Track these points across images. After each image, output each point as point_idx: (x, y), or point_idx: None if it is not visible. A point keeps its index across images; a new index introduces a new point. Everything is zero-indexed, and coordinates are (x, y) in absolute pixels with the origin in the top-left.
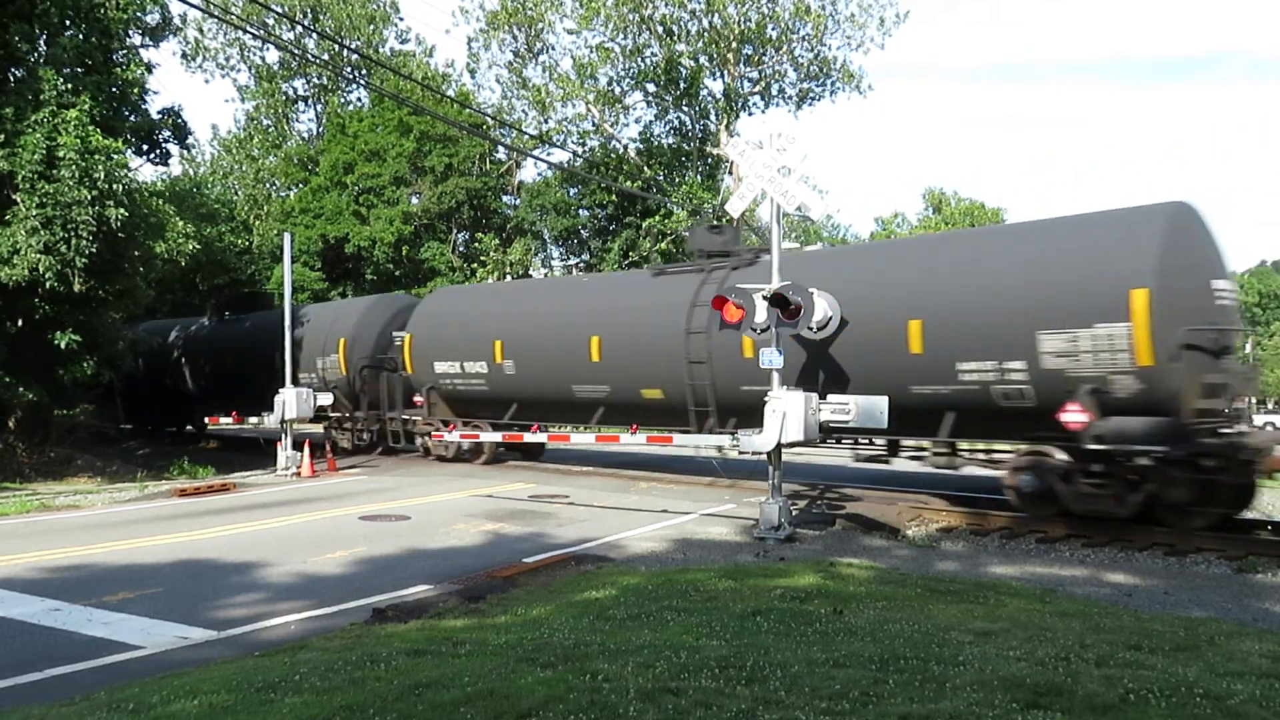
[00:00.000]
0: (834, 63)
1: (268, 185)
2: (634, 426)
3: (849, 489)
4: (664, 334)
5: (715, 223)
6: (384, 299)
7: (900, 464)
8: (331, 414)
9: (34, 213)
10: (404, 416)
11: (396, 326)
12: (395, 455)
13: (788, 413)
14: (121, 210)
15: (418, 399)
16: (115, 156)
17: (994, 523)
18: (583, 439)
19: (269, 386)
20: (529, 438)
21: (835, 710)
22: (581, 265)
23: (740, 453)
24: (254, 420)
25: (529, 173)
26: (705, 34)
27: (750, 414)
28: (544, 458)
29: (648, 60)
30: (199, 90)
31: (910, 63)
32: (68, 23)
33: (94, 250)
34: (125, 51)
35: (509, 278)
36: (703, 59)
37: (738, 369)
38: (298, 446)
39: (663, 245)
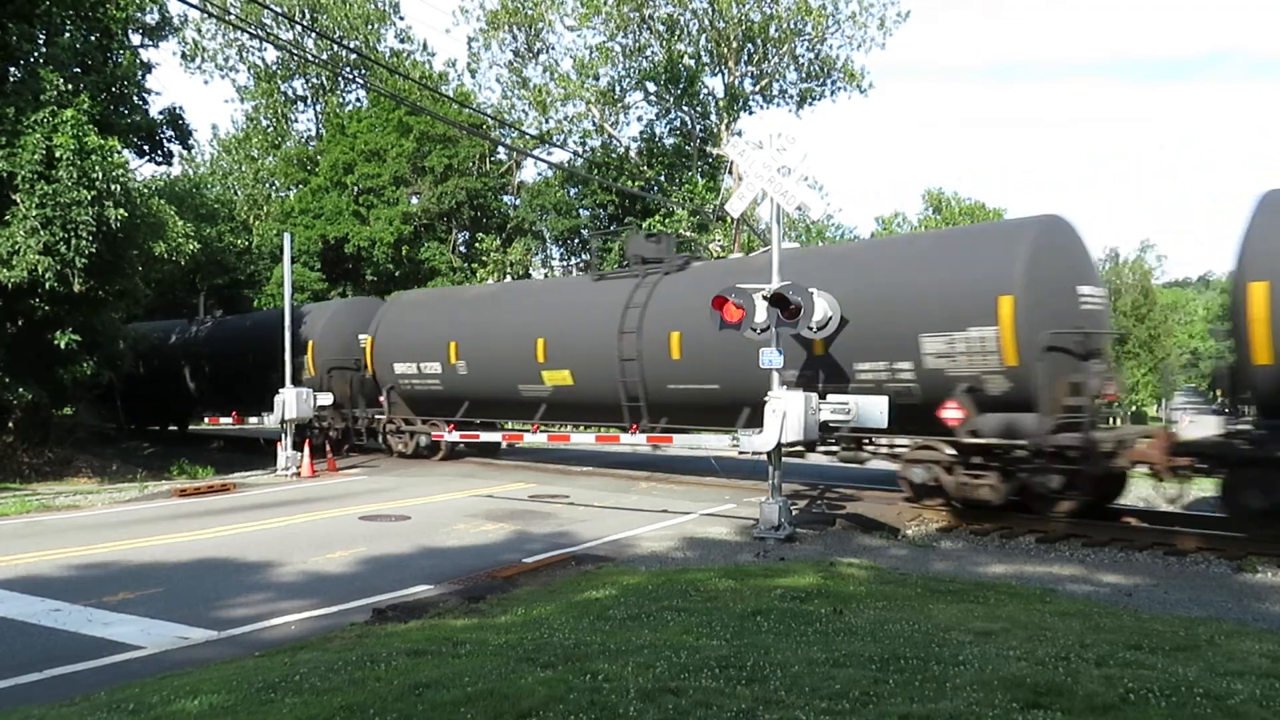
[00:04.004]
0: (835, 62)
1: (267, 185)
2: (634, 426)
3: (849, 489)
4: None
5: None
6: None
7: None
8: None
9: (33, 213)
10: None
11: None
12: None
13: (788, 413)
14: (121, 210)
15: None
16: (113, 156)
17: (993, 522)
18: (583, 438)
19: (265, 386)
20: (528, 438)
21: (835, 710)
22: (581, 265)
23: (740, 453)
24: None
25: (529, 173)
26: (706, 33)
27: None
28: (537, 457)
29: (648, 60)
30: (198, 91)
31: (911, 62)
32: (67, 23)
33: (93, 250)
34: (124, 51)
35: (509, 278)
36: (704, 58)
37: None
38: (297, 446)
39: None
